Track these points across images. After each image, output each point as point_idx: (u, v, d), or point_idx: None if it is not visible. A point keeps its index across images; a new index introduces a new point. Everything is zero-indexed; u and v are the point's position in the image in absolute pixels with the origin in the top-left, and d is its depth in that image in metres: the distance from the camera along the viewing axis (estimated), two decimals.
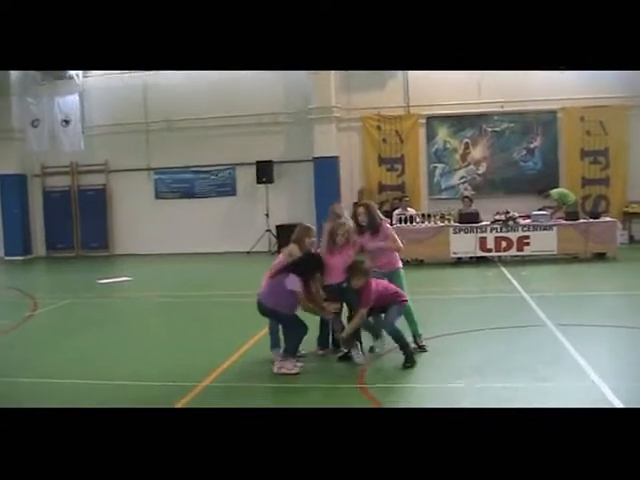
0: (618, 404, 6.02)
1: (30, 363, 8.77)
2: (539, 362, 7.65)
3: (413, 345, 8.27)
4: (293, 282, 7.55)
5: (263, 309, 7.76)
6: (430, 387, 7.22)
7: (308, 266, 7.79)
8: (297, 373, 7.61)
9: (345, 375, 7.58)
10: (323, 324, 8.37)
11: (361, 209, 8.63)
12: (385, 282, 8.04)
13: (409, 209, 18.00)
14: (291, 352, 7.76)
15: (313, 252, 8.16)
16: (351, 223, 8.39)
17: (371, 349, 8.29)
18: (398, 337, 7.83)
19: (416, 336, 8.48)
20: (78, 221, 24.00)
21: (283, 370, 7.62)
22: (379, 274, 8.22)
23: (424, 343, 8.49)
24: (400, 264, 8.71)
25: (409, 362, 7.72)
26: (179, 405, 6.59)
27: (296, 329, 7.73)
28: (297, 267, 7.71)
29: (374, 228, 8.47)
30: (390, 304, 7.82)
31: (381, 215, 8.92)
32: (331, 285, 8.02)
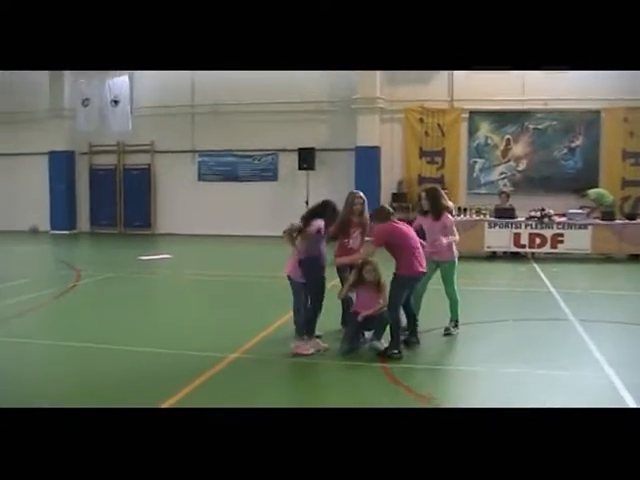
0: (627, 396, 6.29)
1: (75, 328, 9.30)
2: (558, 353, 7.97)
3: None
4: (317, 224, 7.86)
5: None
6: (451, 369, 7.55)
7: (326, 210, 8.10)
8: (312, 354, 7.83)
9: (367, 356, 7.86)
10: (344, 304, 8.66)
11: (423, 194, 9.09)
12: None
13: (448, 202, 18.09)
14: (310, 331, 8.01)
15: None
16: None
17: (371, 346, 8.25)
18: (395, 322, 7.88)
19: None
20: (122, 199, 24.59)
21: (298, 350, 7.83)
22: (432, 262, 8.49)
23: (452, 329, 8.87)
24: (454, 256, 8.87)
25: (394, 349, 7.75)
26: (210, 374, 6.99)
27: (317, 303, 8.01)
28: (316, 213, 8.07)
29: (437, 213, 8.74)
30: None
31: (448, 203, 9.14)
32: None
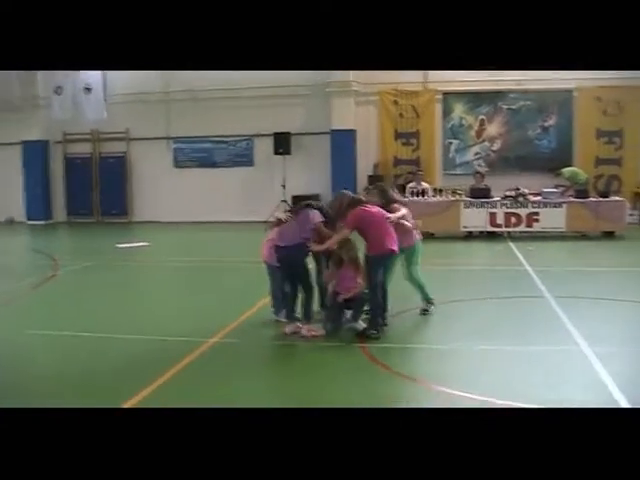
0: (598, 365, 6.49)
1: (55, 318, 9.34)
2: (533, 329, 8.15)
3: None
4: (315, 215, 7.98)
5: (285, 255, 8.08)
6: (429, 348, 7.67)
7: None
8: (316, 336, 7.94)
9: (347, 336, 7.94)
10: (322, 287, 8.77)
11: (371, 188, 9.27)
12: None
13: (423, 183, 18.23)
14: (309, 316, 8.14)
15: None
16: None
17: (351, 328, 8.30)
18: (374, 303, 7.97)
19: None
20: (98, 188, 24.49)
21: (313, 333, 7.95)
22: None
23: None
24: (414, 241, 8.77)
25: (373, 330, 7.85)
26: (190, 358, 7.06)
27: (310, 285, 8.16)
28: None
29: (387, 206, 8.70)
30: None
31: (396, 197, 9.01)
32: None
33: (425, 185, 18.05)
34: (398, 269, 8.75)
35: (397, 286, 8.85)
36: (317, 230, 7.98)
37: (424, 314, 8.84)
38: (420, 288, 8.92)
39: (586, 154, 20.99)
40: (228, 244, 18.12)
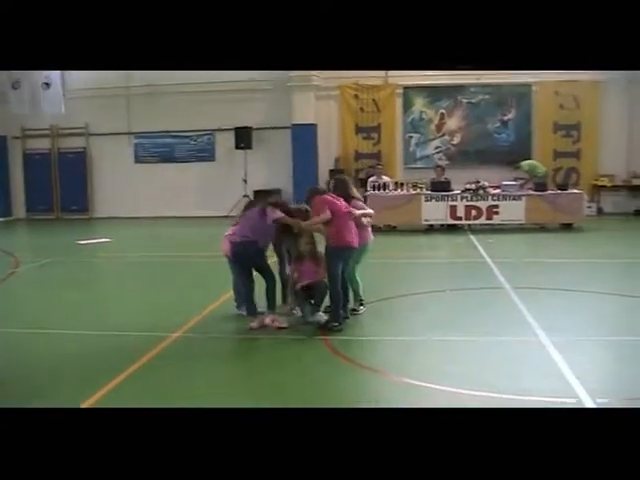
0: (556, 356, 6.63)
1: (15, 315, 9.24)
2: (492, 319, 8.29)
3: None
4: (270, 212, 8.03)
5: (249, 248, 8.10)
6: (389, 340, 7.73)
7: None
8: (287, 327, 8.06)
9: (309, 329, 8.02)
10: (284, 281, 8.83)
11: (332, 182, 9.32)
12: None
13: (384, 177, 18.31)
14: (273, 305, 8.21)
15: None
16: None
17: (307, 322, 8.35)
18: (334, 295, 8.00)
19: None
20: (58, 184, 24.20)
21: (276, 324, 8.02)
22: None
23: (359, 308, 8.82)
24: (365, 240, 8.61)
25: (334, 322, 7.93)
26: (154, 353, 7.06)
27: (271, 274, 8.21)
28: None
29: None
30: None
31: (353, 192, 8.72)
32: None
33: (386, 179, 18.14)
34: (368, 261, 8.83)
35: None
36: (281, 221, 8.05)
37: (353, 314, 8.57)
38: (355, 287, 8.72)
39: (544, 147, 21.27)
40: (190, 239, 18.07)
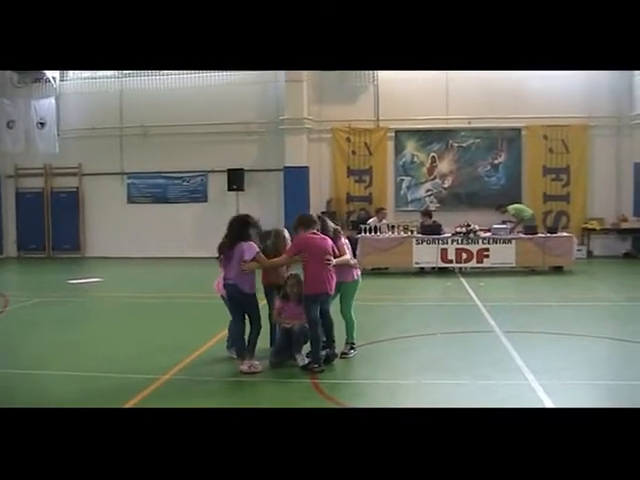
0: (545, 398, 6.67)
1: (4, 354, 9.22)
2: (483, 363, 8.27)
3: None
4: (251, 248, 8.05)
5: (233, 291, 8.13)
6: (381, 383, 7.72)
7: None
8: (260, 371, 8.01)
9: (297, 372, 8.03)
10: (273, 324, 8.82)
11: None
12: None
13: (384, 220, 18.44)
14: (252, 351, 8.15)
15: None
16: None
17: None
18: (313, 338, 8.10)
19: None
20: (50, 223, 24.22)
21: (252, 369, 7.98)
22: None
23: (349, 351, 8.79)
24: (353, 277, 8.76)
25: (315, 364, 7.98)
26: (141, 396, 7.04)
27: (257, 321, 8.18)
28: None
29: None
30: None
31: (336, 230, 8.79)
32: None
33: (385, 222, 18.28)
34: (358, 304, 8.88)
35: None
36: (257, 260, 8.09)
37: (343, 357, 8.59)
38: (349, 326, 8.77)
39: (534, 190, 21.48)
40: (182, 279, 18.07)
